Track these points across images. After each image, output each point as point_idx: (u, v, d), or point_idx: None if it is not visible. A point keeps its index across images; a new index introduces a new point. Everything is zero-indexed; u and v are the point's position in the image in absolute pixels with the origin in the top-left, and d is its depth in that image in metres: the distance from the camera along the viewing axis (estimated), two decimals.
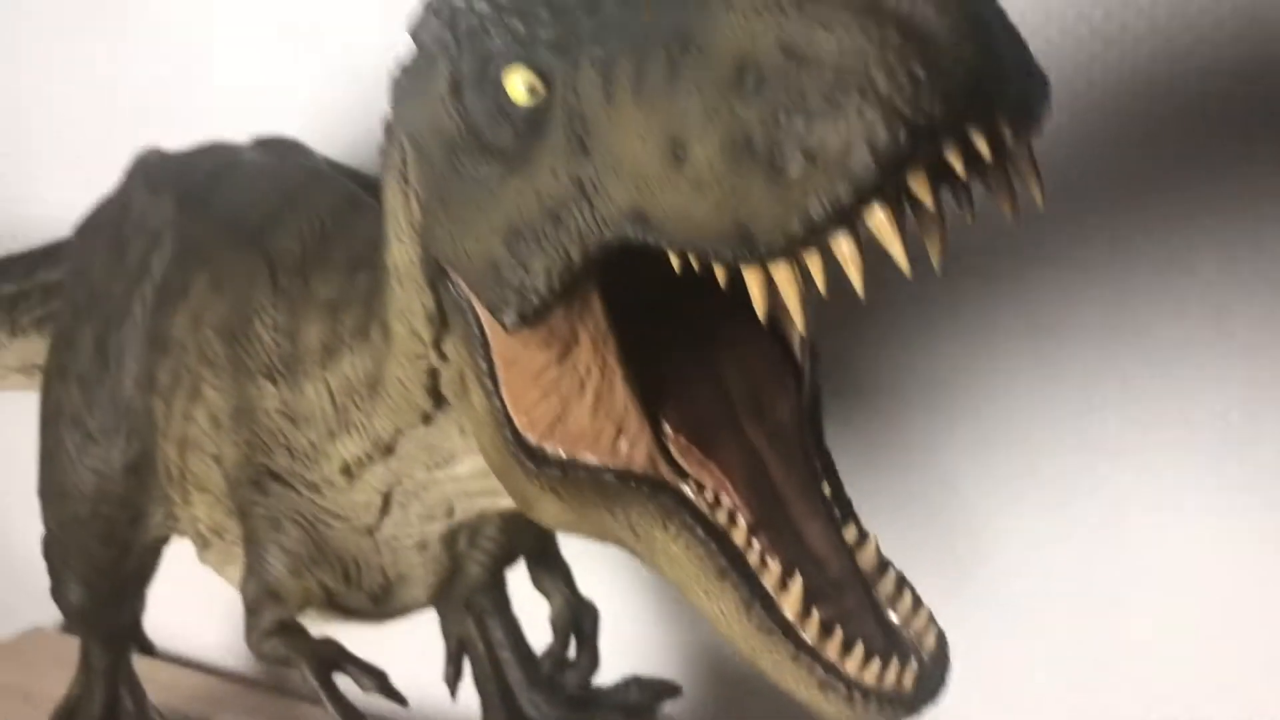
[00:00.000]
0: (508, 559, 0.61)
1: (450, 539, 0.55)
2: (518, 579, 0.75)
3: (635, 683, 0.75)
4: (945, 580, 0.78)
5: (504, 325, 0.37)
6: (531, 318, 0.36)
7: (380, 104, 0.82)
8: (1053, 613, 0.77)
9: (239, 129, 0.78)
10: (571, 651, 0.72)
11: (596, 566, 0.76)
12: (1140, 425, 0.71)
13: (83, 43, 1.08)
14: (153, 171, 0.73)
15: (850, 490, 0.41)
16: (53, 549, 0.80)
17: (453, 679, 0.77)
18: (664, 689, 0.75)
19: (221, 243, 0.61)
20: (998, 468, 0.76)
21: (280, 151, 0.71)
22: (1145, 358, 0.70)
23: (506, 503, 0.51)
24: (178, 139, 0.79)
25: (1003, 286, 0.72)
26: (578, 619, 0.71)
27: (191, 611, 1.12)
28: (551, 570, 0.70)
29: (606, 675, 0.76)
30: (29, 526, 0.83)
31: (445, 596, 0.60)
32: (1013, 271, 0.71)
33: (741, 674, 0.92)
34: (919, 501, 0.79)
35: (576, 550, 0.76)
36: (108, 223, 0.73)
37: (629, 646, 0.93)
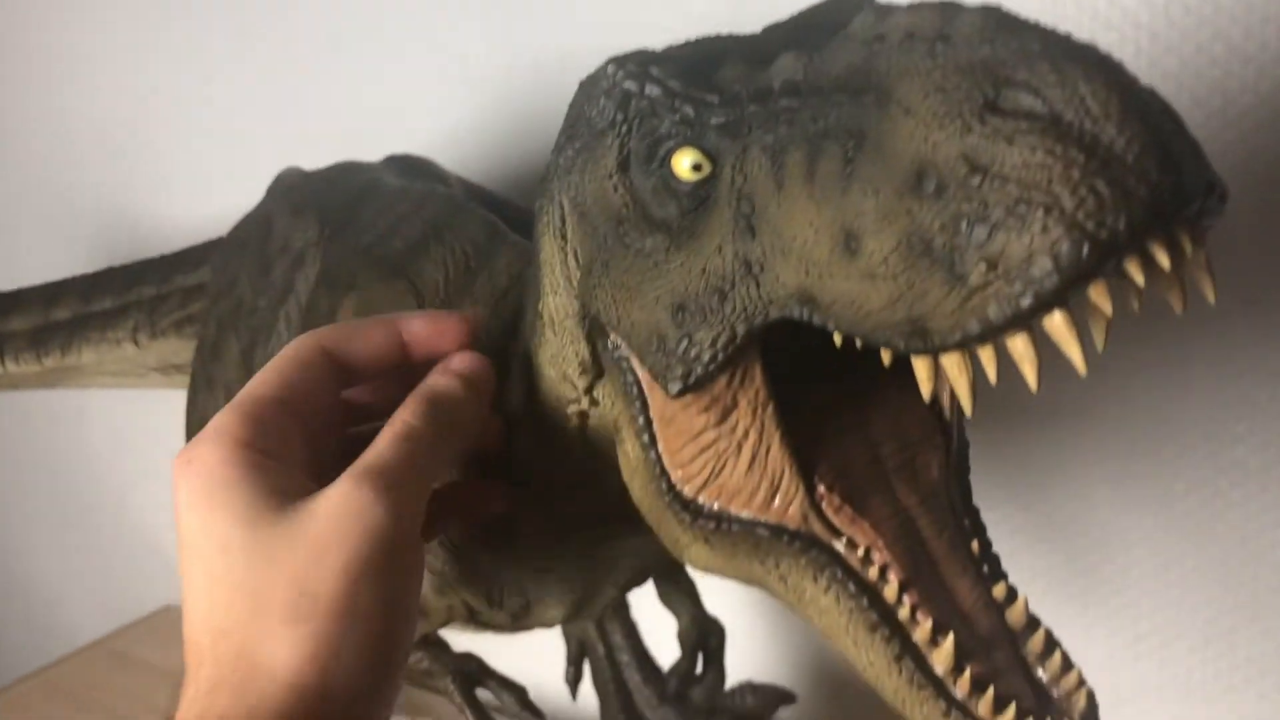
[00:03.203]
0: (641, 579, 0.63)
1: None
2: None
3: (750, 689, 0.77)
4: (1074, 604, 0.79)
5: (668, 391, 0.38)
6: (695, 385, 0.38)
7: (505, 120, 0.84)
8: (1185, 637, 0.77)
9: (368, 145, 0.80)
10: (699, 667, 0.74)
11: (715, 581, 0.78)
12: (1274, 447, 0.70)
13: (218, 56, 1.11)
14: (294, 191, 0.75)
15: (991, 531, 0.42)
16: None
17: (573, 680, 0.80)
18: (778, 695, 0.77)
19: (367, 268, 0.63)
20: (1130, 491, 0.76)
21: (415, 172, 0.73)
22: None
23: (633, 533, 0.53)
24: (304, 149, 0.82)
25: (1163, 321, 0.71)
26: (705, 635, 0.73)
27: None
28: (679, 588, 0.72)
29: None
30: (166, 517, 0.88)
31: (580, 617, 0.62)
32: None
33: (851, 682, 0.93)
34: (1048, 528, 0.80)
35: None
36: (250, 240, 0.76)
37: (744, 655, 0.95)
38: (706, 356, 0.37)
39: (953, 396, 0.41)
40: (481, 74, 0.91)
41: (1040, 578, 0.79)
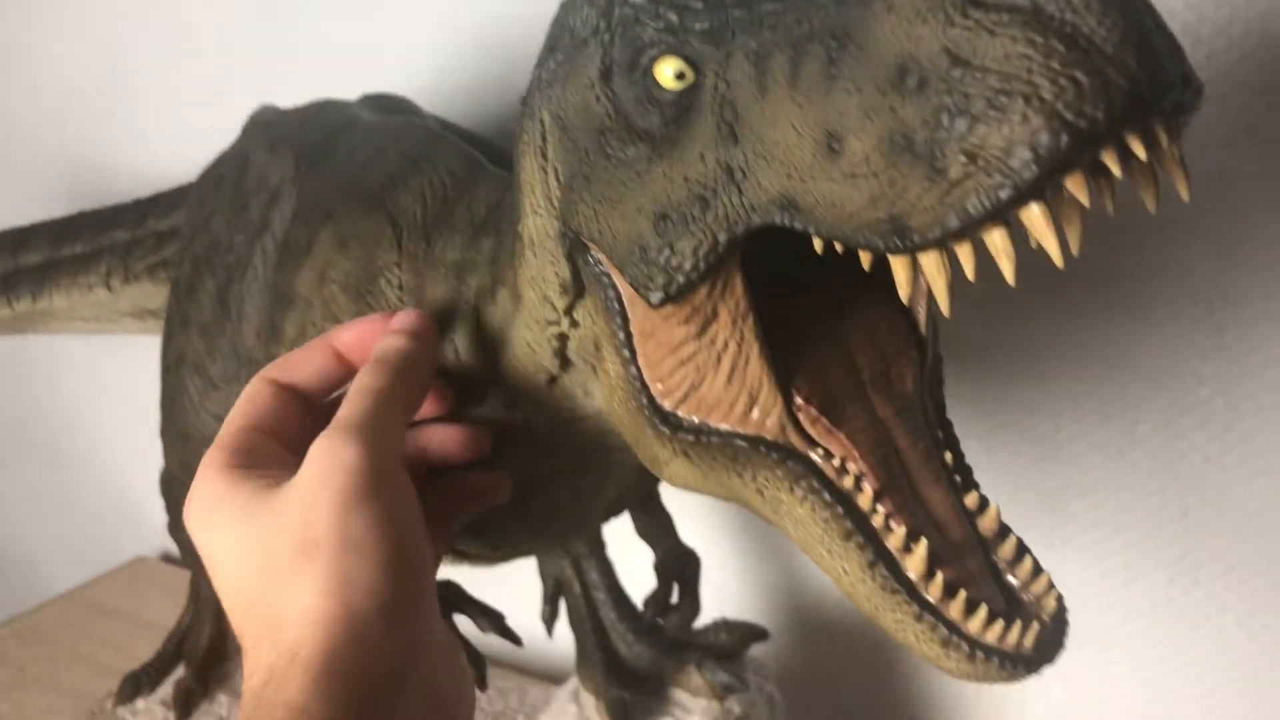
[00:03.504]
0: (617, 510, 0.63)
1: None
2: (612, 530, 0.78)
3: (724, 626, 0.78)
4: (1040, 543, 0.80)
5: (649, 302, 0.39)
6: (676, 296, 0.38)
7: (484, 62, 0.83)
8: (1149, 574, 0.78)
9: (346, 87, 0.80)
10: (674, 597, 0.75)
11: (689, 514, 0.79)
12: (1238, 387, 0.72)
13: (193, 2, 1.10)
14: (270, 128, 0.75)
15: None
16: (172, 488, 0.84)
17: (549, 618, 0.81)
18: (752, 632, 0.78)
19: (344, 202, 0.63)
20: (1097, 431, 0.77)
21: (393, 110, 0.72)
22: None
23: (619, 457, 0.53)
24: (283, 95, 0.82)
25: (1124, 261, 0.72)
26: (681, 566, 0.74)
27: None
28: (657, 521, 0.73)
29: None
30: (138, 465, 0.88)
31: (559, 545, 0.63)
32: (1143, 248, 0.71)
33: (824, 620, 0.94)
34: (1015, 467, 0.81)
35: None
36: (227, 178, 0.76)
37: (718, 592, 0.97)
38: (688, 265, 0.37)
39: (929, 308, 0.42)
40: (459, 14, 0.91)
41: (1007, 516, 0.81)
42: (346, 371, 0.49)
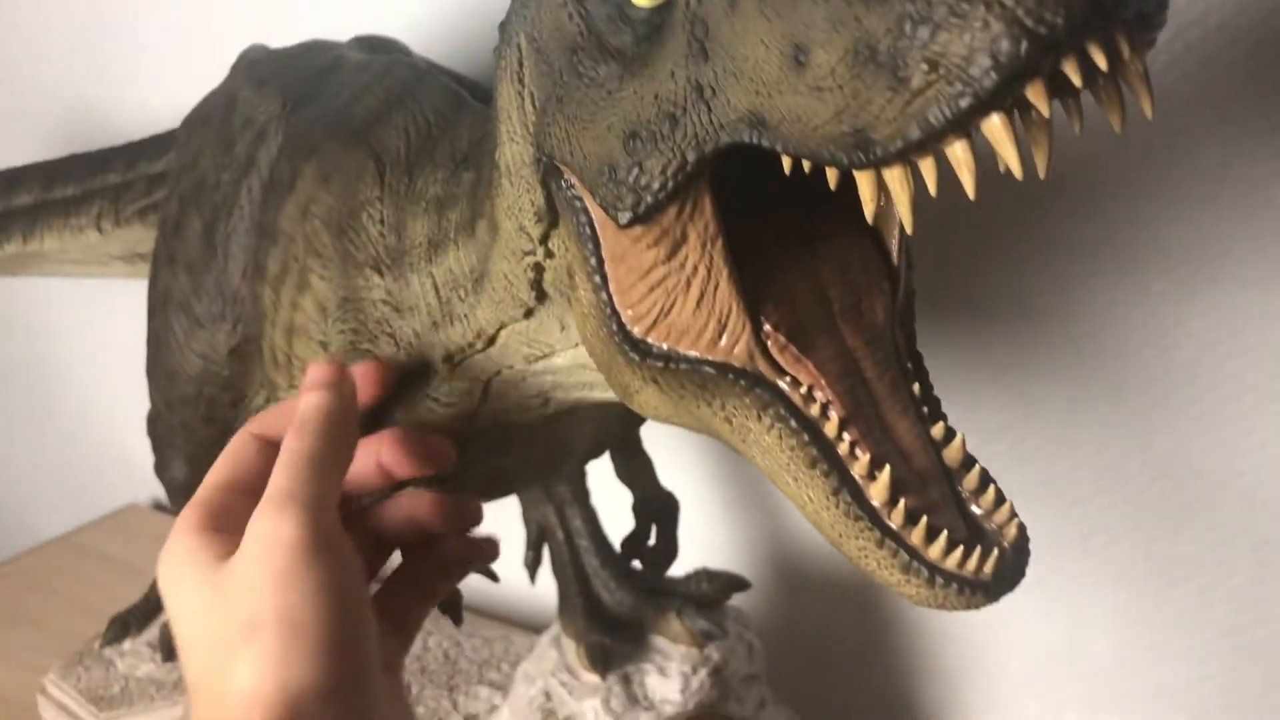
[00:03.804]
0: (596, 450, 0.63)
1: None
2: (596, 475, 0.79)
3: (705, 575, 0.79)
4: (1023, 501, 0.80)
5: (617, 222, 0.39)
6: (645, 215, 0.38)
7: (478, 4, 0.83)
8: (1130, 534, 0.79)
9: (342, 30, 0.80)
10: (651, 539, 0.75)
11: (672, 462, 0.79)
12: (1224, 346, 0.72)
13: None
14: (258, 67, 0.75)
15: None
16: (158, 427, 0.84)
17: (532, 564, 0.81)
18: (733, 582, 0.78)
19: (328, 137, 0.63)
20: (1082, 390, 0.77)
21: (382, 51, 0.72)
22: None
23: (598, 395, 0.53)
24: (281, 38, 0.81)
25: (1122, 220, 0.72)
26: (660, 508, 0.74)
27: None
28: (637, 463, 0.73)
29: (678, 569, 0.79)
30: (130, 414, 0.88)
31: (544, 481, 0.63)
32: (1129, 207, 0.71)
33: (807, 574, 0.95)
34: (999, 428, 0.81)
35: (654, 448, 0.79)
36: (214, 116, 0.75)
37: (699, 541, 0.97)
38: (656, 185, 0.37)
39: (901, 240, 0.42)
40: None
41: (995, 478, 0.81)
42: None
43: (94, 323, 1.38)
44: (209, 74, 0.82)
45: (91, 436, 1.48)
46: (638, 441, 0.75)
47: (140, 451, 0.88)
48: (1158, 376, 0.74)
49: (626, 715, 0.72)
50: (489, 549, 0.54)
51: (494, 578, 0.64)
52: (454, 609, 0.62)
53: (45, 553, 1.20)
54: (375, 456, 0.51)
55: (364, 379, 0.53)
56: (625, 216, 0.38)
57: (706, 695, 0.73)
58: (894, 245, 0.42)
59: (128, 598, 0.99)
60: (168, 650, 0.92)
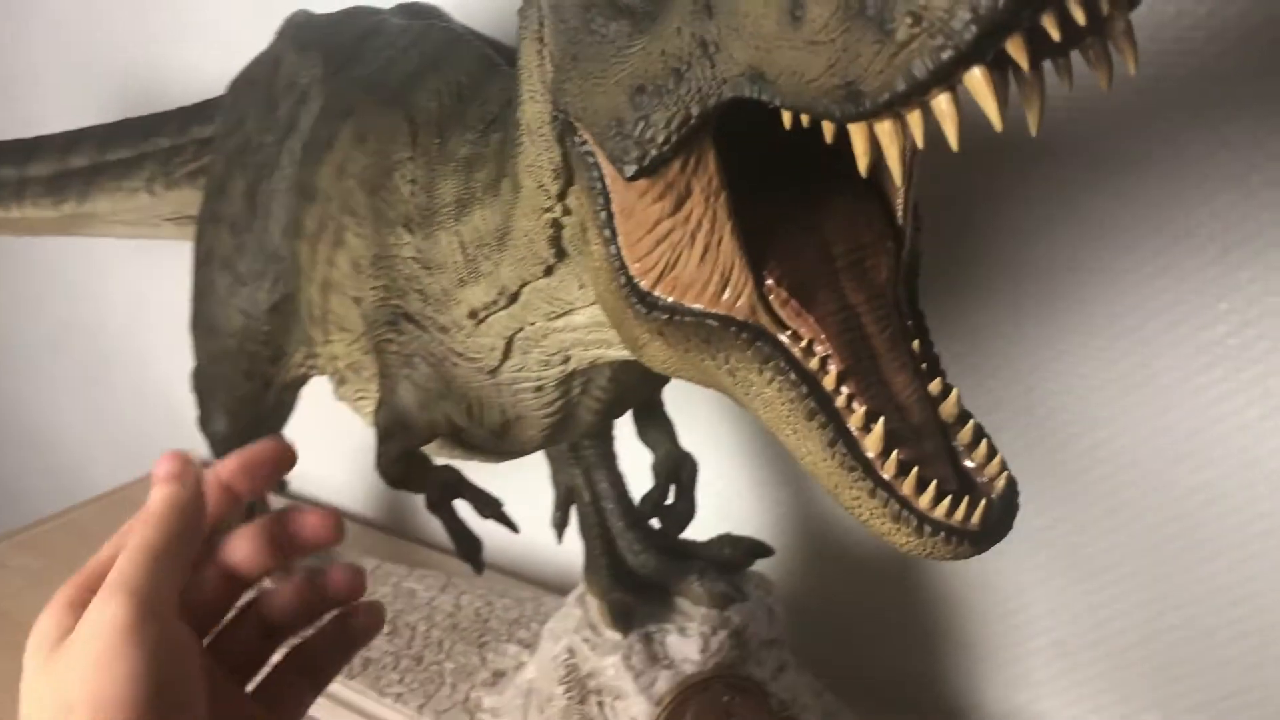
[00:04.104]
0: (616, 409, 0.65)
1: (565, 385, 0.59)
2: (624, 440, 0.80)
3: (729, 540, 0.80)
4: (1052, 476, 0.81)
5: (624, 175, 0.40)
6: (650, 168, 0.39)
7: None
8: (1156, 510, 0.79)
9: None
10: (670, 498, 0.77)
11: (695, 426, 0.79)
12: (1252, 328, 0.71)
13: None
14: (302, 31, 0.77)
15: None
16: (201, 381, 0.87)
17: (560, 524, 0.83)
18: (755, 548, 0.79)
19: (365, 99, 0.65)
20: (1111, 369, 0.77)
21: (424, 17, 0.74)
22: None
23: (617, 353, 0.55)
24: (323, 3, 0.83)
25: (1128, 185, 0.72)
26: (678, 468, 0.75)
27: (321, 455, 1.20)
28: (656, 423, 0.74)
29: (703, 533, 0.81)
30: (181, 374, 0.91)
31: (557, 440, 0.65)
32: (1139, 174, 0.71)
33: (830, 545, 0.96)
34: (1031, 403, 0.81)
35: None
36: (259, 79, 0.78)
37: (726, 511, 0.98)
38: (661, 138, 0.38)
39: (906, 200, 0.43)
40: None
41: (1020, 454, 0.81)
42: (234, 502, 0.48)
43: (148, 287, 1.42)
44: (258, 39, 0.84)
45: (143, 395, 1.53)
46: (660, 404, 0.76)
47: (188, 409, 0.91)
48: (1188, 355, 0.74)
49: (646, 672, 0.73)
50: (377, 612, 0.52)
51: (514, 528, 0.65)
52: (475, 557, 0.64)
53: (97, 506, 1.25)
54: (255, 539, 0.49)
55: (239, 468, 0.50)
56: (631, 169, 0.39)
57: (726, 656, 0.75)
58: (899, 205, 0.43)
59: None
60: None
